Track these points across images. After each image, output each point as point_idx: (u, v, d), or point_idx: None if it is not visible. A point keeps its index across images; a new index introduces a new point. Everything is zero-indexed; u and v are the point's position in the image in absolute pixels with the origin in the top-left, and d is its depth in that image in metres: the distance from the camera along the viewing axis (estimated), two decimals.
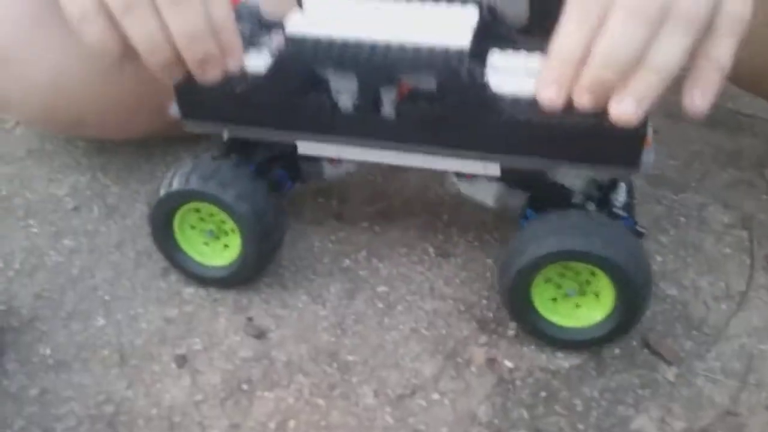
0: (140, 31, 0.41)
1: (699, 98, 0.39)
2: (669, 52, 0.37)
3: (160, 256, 0.56)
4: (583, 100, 0.39)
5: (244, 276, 0.52)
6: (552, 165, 0.44)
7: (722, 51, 0.38)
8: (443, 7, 0.45)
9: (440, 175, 0.52)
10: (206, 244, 0.52)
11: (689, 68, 0.39)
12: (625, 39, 0.37)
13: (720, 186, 0.63)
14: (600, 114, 0.41)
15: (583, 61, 0.38)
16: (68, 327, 0.50)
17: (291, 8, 0.46)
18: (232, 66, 0.45)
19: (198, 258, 0.52)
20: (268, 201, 0.49)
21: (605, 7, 0.37)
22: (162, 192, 0.49)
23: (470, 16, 0.44)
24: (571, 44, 0.38)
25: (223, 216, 0.49)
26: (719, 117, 0.72)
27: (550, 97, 0.40)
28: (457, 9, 0.45)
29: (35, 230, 0.59)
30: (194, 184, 0.48)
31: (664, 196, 0.62)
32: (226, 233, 0.51)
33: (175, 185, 0.48)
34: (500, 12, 0.47)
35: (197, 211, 0.50)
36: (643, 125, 0.40)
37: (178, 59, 0.43)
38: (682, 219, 0.59)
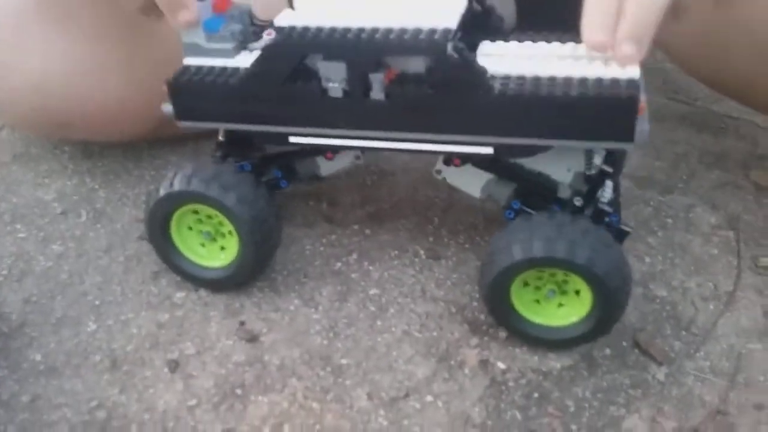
0: None
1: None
2: None
3: (149, 260, 0.56)
4: (628, 50, 0.40)
5: (241, 278, 0.52)
6: (545, 142, 0.44)
7: None
8: None
9: (429, 177, 0.52)
10: (202, 245, 0.52)
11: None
12: None
13: (707, 187, 0.63)
14: (591, 84, 0.41)
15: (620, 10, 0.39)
16: (58, 333, 0.50)
17: (282, 9, 0.46)
18: (185, 18, 0.45)
19: (194, 259, 0.52)
20: (269, 206, 0.49)
21: None
22: (162, 192, 0.48)
23: (458, 4, 0.44)
24: None
25: (222, 218, 0.49)
26: (705, 119, 0.73)
27: (602, 41, 0.40)
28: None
29: (23, 235, 0.59)
30: (196, 186, 0.48)
31: (652, 197, 0.62)
32: (223, 235, 0.51)
33: (177, 186, 0.48)
34: (490, 4, 0.47)
35: (195, 212, 0.50)
36: (635, 92, 0.41)
37: None
38: (670, 220, 0.60)
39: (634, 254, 0.56)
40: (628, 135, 0.42)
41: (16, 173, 0.66)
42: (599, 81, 0.42)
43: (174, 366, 0.48)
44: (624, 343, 0.49)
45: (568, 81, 0.42)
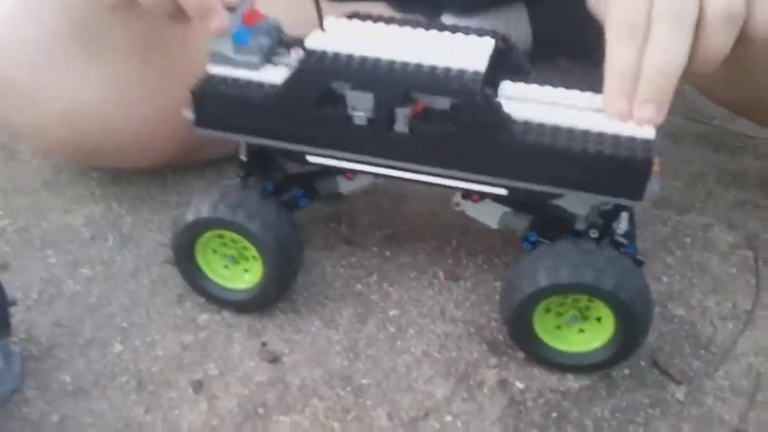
0: None
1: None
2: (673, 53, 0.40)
3: (175, 283, 0.57)
4: (647, 113, 0.41)
5: (264, 301, 0.53)
6: (558, 190, 0.45)
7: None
8: (460, 35, 0.47)
9: (447, 200, 0.53)
10: (226, 267, 0.53)
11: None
12: (676, 45, 0.40)
13: (724, 207, 0.64)
14: (608, 142, 0.42)
15: (638, 74, 0.41)
16: (86, 354, 0.51)
17: (312, 29, 0.47)
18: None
19: (219, 281, 0.53)
20: (292, 231, 0.51)
21: (646, 18, 0.40)
22: (190, 218, 0.50)
23: (486, 44, 0.45)
24: (627, 59, 0.41)
25: (246, 243, 0.50)
26: (721, 138, 0.73)
27: (623, 108, 0.42)
28: (473, 38, 0.47)
29: (52, 260, 0.61)
30: (222, 212, 0.49)
31: (669, 217, 0.63)
32: (246, 259, 0.52)
33: (204, 213, 0.49)
34: (514, 42, 0.49)
35: (220, 237, 0.51)
36: (650, 155, 0.41)
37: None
38: (688, 240, 0.60)
39: (652, 275, 0.56)
40: (638, 194, 0.43)
41: (46, 200, 0.68)
42: (616, 138, 0.43)
43: (198, 386, 0.49)
44: (642, 363, 0.49)
45: (585, 135, 0.43)
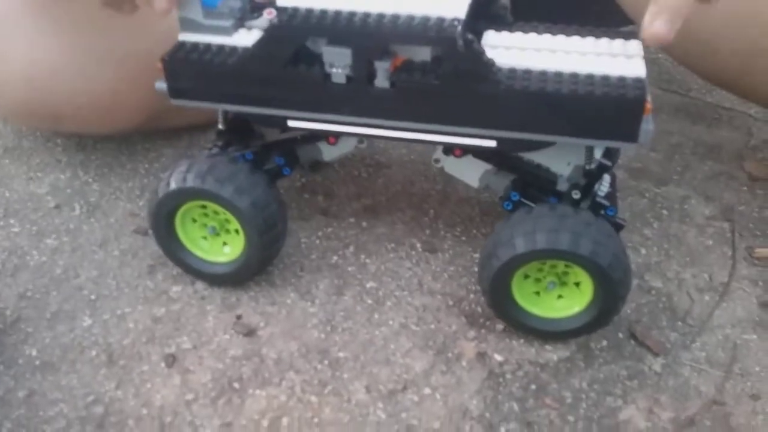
0: None
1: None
2: None
3: (145, 253, 0.55)
4: (660, 28, 0.39)
5: (244, 276, 0.51)
6: (549, 138, 0.44)
7: None
8: None
9: (425, 169, 0.52)
10: (204, 238, 0.51)
11: None
12: None
13: (701, 178, 0.64)
14: (597, 82, 0.41)
15: None
16: (54, 328, 0.50)
17: None
18: None
19: (198, 253, 0.51)
20: (280, 209, 0.50)
21: None
22: (174, 186, 0.48)
23: None
24: None
25: (229, 216, 0.48)
26: (699, 110, 0.73)
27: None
28: None
29: (16, 230, 0.59)
30: (210, 185, 0.47)
31: (647, 189, 0.62)
32: (228, 232, 0.51)
33: (190, 182, 0.47)
34: None
35: (203, 206, 0.50)
36: (642, 93, 0.40)
37: None
38: (665, 212, 0.60)
39: (630, 246, 0.56)
40: (632, 135, 0.42)
41: (8, 167, 0.66)
42: (606, 79, 0.42)
43: (171, 360, 0.47)
44: (620, 335, 0.49)
45: (574, 77, 0.42)
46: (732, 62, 0.58)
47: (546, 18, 0.49)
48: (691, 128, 0.70)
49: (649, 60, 0.42)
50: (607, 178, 0.49)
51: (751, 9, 0.54)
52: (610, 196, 0.49)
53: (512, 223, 0.45)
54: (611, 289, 0.44)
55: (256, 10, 0.47)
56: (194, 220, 0.51)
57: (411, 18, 0.42)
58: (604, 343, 0.49)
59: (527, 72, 0.43)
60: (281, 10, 0.44)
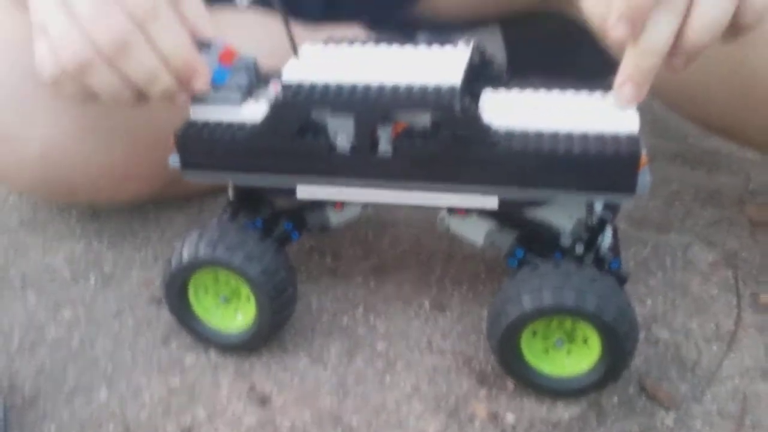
0: (102, 82, 0.45)
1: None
2: (664, 32, 0.40)
3: (159, 323, 0.56)
4: (628, 92, 0.43)
5: (255, 343, 0.52)
6: (549, 194, 0.45)
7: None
8: (435, 48, 0.47)
9: (430, 227, 0.53)
10: (218, 307, 0.52)
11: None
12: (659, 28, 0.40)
13: (702, 225, 0.65)
14: (593, 139, 0.43)
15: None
16: (71, 403, 0.51)
17: (288, 59, 0.47)
18: (201, 86, 0.46)
19: (210, 322, 0.53)
20: (290, 275, 0.51)
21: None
22: (186, 257, 0.49)
23: (461, 56, 0.46)
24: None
25: (241, 283, 0.50)
26: (696, 156, 0.75)
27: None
28: (448, 49, 0.47)
29: (33, 302, 0.60)
30: (221, 254, 0.48)
31: (649, 237, 0.63)
32: (239, 298, 0.52)
33: (202, 253, 0.49)
34: (489, 54, 0.49)
35: (214, 275, 0.51)
36: (636, 146, 0.42)
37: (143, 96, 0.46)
38: (668, 260, 0.61)
39: (636, 297, 0.56)
40: (629, 188, 0.43)
41: (24, 238, 0.67)
42: (600, 137, 0.43)
43: None
44: (631, 389, 0.50)
45: (569, 136, 0.44)
46: (725, 110, 0.59)
47: (542, 67, 0.51)
48: (690, 174, 0.71)
49: (643, 107, 0.44)
50: (609, 231, 0.50)
51: (739, 56, 0.56)
52: (614, 248, 0.50)
53: (518, 280, 0.46)
54: (618, 343, 0.45)
55: (262, 81, 0.50)
56: (206, 290, 0.52)
57: (410, 88, 0.44)
58: (615, 399, 0.49)
59: (524, 133, 0.44)
60: (286, 87, 0.46)
